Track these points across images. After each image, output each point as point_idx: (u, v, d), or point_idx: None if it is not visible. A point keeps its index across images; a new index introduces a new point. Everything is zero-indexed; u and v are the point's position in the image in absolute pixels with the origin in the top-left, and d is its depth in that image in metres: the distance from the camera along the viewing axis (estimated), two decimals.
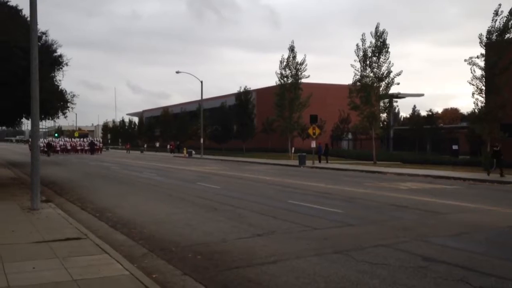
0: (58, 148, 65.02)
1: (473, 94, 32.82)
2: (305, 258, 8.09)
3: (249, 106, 64.73)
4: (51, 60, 21.81)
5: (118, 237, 10.00)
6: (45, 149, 61.55)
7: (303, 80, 53.46)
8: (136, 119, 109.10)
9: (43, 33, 21.64)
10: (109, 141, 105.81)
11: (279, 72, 54.04)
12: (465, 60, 32.23)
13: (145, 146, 79.89)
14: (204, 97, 61.24)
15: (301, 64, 53.04)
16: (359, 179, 24.36)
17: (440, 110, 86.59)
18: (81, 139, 72.74)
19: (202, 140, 57.80)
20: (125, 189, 19.85)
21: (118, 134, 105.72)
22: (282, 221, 11.68)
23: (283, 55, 54.62)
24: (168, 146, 74.78)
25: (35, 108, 13.09)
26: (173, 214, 13.00)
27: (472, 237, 9.98)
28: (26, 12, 19.05)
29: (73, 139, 71.76)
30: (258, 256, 8.24)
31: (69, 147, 67.15)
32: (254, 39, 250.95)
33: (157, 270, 7.38)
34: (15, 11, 18.40)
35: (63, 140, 71.30)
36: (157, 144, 79.58)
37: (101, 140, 77.19)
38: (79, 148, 67.99)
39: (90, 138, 78.16)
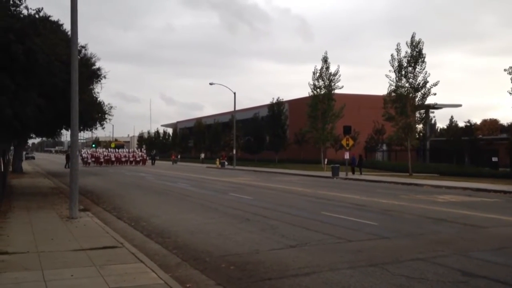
0: (102, 160, 63.37)
1: None
2: (339, 271, 7.97)
3: (281, 117, 64.77)
4: (90, 73, 22.51)
5: (153, 246, 10.14)
6: (88, 160, 62.28)
7: (337, 91, 53.19)
8: (170, 130, 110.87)
9: (83, 47, 22.40)
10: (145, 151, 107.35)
11: (312, 83, 54.03)
12: (505, 70, 31.30)
13: (179, 156, 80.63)
14: (237, 108, 61.69)
15: (335, 74, 52.87)
16: (394, 191, 23.89)
17: (478, 121, 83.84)
18: (123, 150, 72.09)
19: (234, 151, 58.13)
20: (160, 199, 20.12)
21: (153, 145, 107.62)
22: (315, 233, 11.56)
23: (316, 66, 54.57)
24: (205, 158, 75.04)
25: (75, 118, 13.50)
26: (206, 224, 13.07)
27: None
28: (66, 26, 19.79)
29: (117, 150, 69.36)
30: (291, 268, 8.17)
31: (113, 159, 64.72)
32: (286, 50, 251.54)
33: (190, 280, 7.42)
34: (57, 25, 19.10)
35: (106, 151, 69.42)
36: (203, 155, 77.04)
37: (145, 152, 75.38)
38: (123, 159, 65.39)
39: (133, 150, 78.24)
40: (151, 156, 73.31)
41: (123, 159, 65.51)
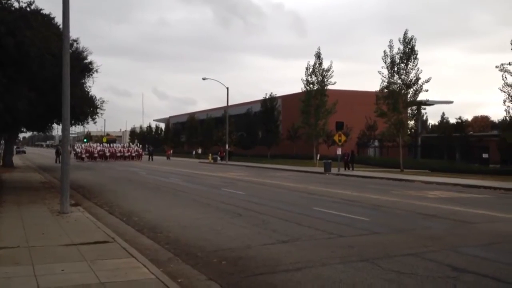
0: (96, 155, 61.20)
1: (504, 101, 32.14)
2: (331, 266, 8.02)
3: (274, 113, 64.84)
4: (82, 67, 22.42)
5: (145, 241, 10.12)
6: (82, 155, 60.93)
7: (329, 87, 53.30)
8: (162, 125, 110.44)
9: (75, 41, 22.28)
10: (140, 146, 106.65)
11: (305, 79, 54.09)
12: (497, 67, 31.50)
13: (171, 151, 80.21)
14: (230, 103, 61.63)
15: (327, 70, 52.95)
16: (386, 187, 24.02)
17: (469, 118, 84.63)
18: (118, 145, 70.30)
19: (227, 146, 58.12)
20: (152, 194, 20.09)
21: (145, 140, 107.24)
22: (306, 228, 11.61)
23: (309, 61, 54.86)
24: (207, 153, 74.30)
25: (66, 113, 13.41)
26: (198, 219, 13.08)
27: (503, 248, 9.73)
28: (58, 20, 19.64)
29: (112, 145, 66.96)
30: (282, 263, 8.20)
31: (107, 154, 61.99)
32: (279, 46, 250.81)
33: (182, 275, 7.43)
34: (48, 19, 18.94)
35: (101, 145, 66.29)
36: (199, 151, 75.72)
37: (141, 147, 72.12)
38: (119, 154, 62.80)
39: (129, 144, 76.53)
40: (149, 151, 71.89)
41: (118, 154, 63.35)
